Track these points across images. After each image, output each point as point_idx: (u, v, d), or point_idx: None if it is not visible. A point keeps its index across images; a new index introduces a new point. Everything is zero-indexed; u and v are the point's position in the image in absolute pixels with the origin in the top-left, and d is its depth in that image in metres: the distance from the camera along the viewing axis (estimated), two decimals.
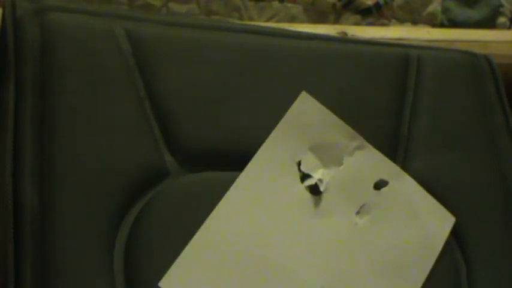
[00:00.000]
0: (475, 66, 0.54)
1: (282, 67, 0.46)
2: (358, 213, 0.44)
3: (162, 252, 0.37)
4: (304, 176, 0.43)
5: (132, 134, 0.39)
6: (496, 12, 0.85)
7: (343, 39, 0.54)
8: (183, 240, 0.38)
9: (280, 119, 0.44)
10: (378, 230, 0.44)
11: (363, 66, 0.48)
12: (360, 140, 0.46)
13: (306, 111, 0.44)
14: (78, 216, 0.36)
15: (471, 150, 0.51)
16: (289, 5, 0.78)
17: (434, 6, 0.83)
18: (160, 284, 0.36)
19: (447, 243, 0.46)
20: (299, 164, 0.43)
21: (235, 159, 0.42)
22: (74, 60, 0.39)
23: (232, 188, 0.40)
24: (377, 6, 0.81)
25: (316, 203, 0.43)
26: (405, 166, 0.47)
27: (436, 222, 0.46)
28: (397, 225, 0.45)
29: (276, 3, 0.78)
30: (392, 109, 0.49)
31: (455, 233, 0.47)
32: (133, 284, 0.37)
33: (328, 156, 0.44)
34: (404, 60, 0.51)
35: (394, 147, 0.47)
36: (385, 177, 0.46)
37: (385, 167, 0.46)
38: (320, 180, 0.43)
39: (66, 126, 0.38)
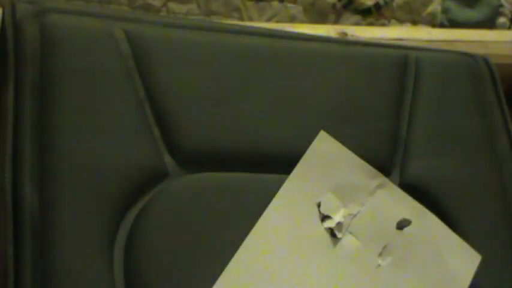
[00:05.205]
0: (473, 68, 0.54)
1: (281, 68, 0.46)
2: (380, 254, 0.43)
3: (162, 252, 0.38)
4: (325, 218, 0.42)
5: (131, 135, 0.40)
6: (496, 12, 0.85)
7: (342, 41, 0.54)
8: (182, 241, 0.38)
9: (280, 119, 0.44)
10: (401, 272, 0.43)
11: (361, 68, 0.48)
12: (381, 179, 0.45)
13: (326, 150, 0.43)
14: (77, 217, 0.37)
15: (469, 152, 0.50)
16: (289, 5, 0.78)
17: (434, 6, 0.83)
18: None
19: None
20: (319, 205, 0.42)
21: (234, 161, 0.42)
22: (74, 61, 0.40)
23: (253, 230, 0.39)
24: (377, 6, 0.81)
25: (337, 245, 0.41)
26: (403, 167, 0.47)
27: (461, 261, 0.45)
28: (421, 266, 0.43)
29: (276, 3, 0.78)
30: (390, 111, 0.48)
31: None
32: (133, 284, 0.37)
33: (349, 196, 0.43)
34: (402, 62, 0.51)
35: (392, 149, 0.47)
36: (407, 216, 0.44)
37: (408, 205, 0.45)
38: (339, 223, 0.42)
39: (66, 127, 0.38)
